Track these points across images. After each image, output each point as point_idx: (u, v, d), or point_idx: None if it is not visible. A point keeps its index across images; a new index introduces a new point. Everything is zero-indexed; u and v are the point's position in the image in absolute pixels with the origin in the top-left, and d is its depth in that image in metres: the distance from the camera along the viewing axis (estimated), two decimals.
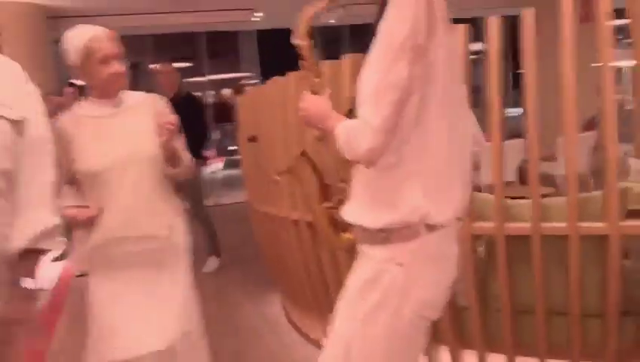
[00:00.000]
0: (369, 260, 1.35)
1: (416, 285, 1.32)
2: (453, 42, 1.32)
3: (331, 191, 1.57)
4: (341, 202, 1.53)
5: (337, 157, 1.52)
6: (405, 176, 1.29)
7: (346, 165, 1.59)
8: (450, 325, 2.33)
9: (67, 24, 7.99)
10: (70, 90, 5.18)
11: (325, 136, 1.43)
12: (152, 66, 8.73)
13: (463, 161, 1.37)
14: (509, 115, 10.29)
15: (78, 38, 1.85)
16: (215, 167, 10.46)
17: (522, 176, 6.80)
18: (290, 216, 2.81)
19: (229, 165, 11.66)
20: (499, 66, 2.13)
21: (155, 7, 7.71)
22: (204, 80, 11.24)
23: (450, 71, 1.29)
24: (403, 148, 1.26)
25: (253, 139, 3.36)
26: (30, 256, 1.30)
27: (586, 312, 2.13)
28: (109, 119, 1.92)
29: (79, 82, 7.21)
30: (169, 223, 1.99)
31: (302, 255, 2.83)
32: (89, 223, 1.87)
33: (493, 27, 2.06)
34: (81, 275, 5.30)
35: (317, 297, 2.87)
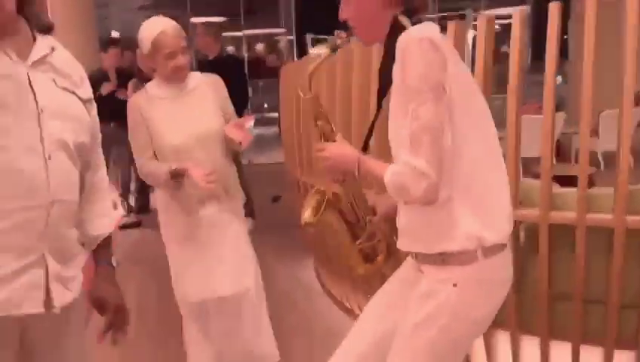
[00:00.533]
0: (426, 276, 1.42)
1: (468, 306, 1.40)
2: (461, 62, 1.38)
3: (358, 228, 1.64)
4: (372, 235, 1.62)
5: (362, 194, 1.61)
6: (454, 205, 1.35)
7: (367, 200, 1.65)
8: None
9: None
10: (113, 51, 5.19)
11: (347, 179, 1.53)
12: (192, 20, 8.68)
13: (503, 175, 1.43)
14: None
15: (148, 31, 2.05)
16: (247, 124, 10.48)
17: (559, 151, 6.70)
18: (333, 189, 2.85)
19: (260, 123, 11.70)
20: (555, 48, 2.10)
21: None
22: (240, 35, 11.18)
23: (468, 92, 1.35)
24: (448, 179, 1.31)
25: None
26: (108, 239, 1.40)
27: (622, 303, 2.15)
28: (177, 100, 2.15)
29: (117, 35, 7.21)
30: (233, 188, 2.28)
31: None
32: (200, 181, 2.04)
33: (555, 12, 2.03)
34: (124, 227, 5.47)
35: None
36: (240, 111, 4.80)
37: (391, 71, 1.35)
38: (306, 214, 1.57)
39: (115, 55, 5.14)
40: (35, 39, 1.19)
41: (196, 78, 2.22)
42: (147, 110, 2.10)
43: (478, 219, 1.36)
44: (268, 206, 5.44)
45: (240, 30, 11.14)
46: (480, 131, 1.38)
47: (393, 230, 1.54)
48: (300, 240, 4.03)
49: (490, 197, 1.39)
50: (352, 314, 3.01)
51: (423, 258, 1.42)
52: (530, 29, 12.21)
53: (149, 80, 2.21)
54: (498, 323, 2.42)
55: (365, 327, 1.56)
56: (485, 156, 1.39)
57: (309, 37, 12.64)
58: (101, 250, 1.38)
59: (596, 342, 2.26)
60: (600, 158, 6.40)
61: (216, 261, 2.20)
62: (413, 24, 1.38)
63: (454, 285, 1.38)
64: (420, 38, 1.28)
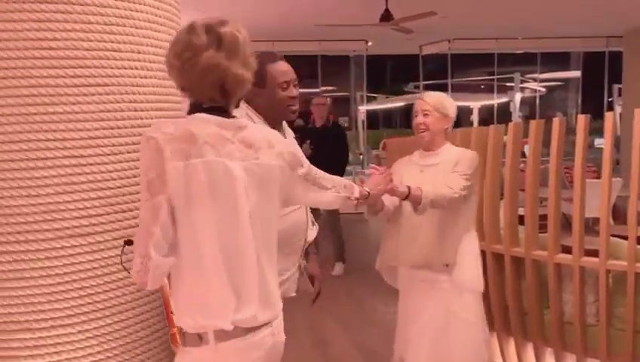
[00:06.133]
0: None
1: None
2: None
3: None
4: None
5: None
6: (179, 288, 1.38)
7: None
8: (580, 338, 2.96)
9: None
10: None
11: None
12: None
13: (212, 277, 1.34)
14: (597, 145, 10.05)
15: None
16: None
17: (615, 213, 7.09)
18: None
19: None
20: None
21: (288, 35, 8.67)
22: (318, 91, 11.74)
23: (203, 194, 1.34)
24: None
25: None
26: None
27: None
28: (425, 168, 2.66)
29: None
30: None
31: None
32: None
33: (582, 123, 2.69)
34: None
35: None
36: (343, 170, 5.46)
37: None
38: None
39: None
40: None
41: (451, 151, 2.66)
42: (403, 170, 2.67)
43: (190, 304, 1.34)
44: (356, 250, 6.03)
45: (318, 88, 11.69)
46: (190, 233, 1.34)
47: None
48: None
49: (199, 289, 1.33)
50: None
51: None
52: (579, 93, 12.81)
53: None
54: (590, 350, 2.98)
55: None
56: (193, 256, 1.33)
57: (358, 94, 13.66)
58: (310, 246, 2.20)
59: None
60: None
61: None
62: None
63: None
64: (145, 136, 1.34)
